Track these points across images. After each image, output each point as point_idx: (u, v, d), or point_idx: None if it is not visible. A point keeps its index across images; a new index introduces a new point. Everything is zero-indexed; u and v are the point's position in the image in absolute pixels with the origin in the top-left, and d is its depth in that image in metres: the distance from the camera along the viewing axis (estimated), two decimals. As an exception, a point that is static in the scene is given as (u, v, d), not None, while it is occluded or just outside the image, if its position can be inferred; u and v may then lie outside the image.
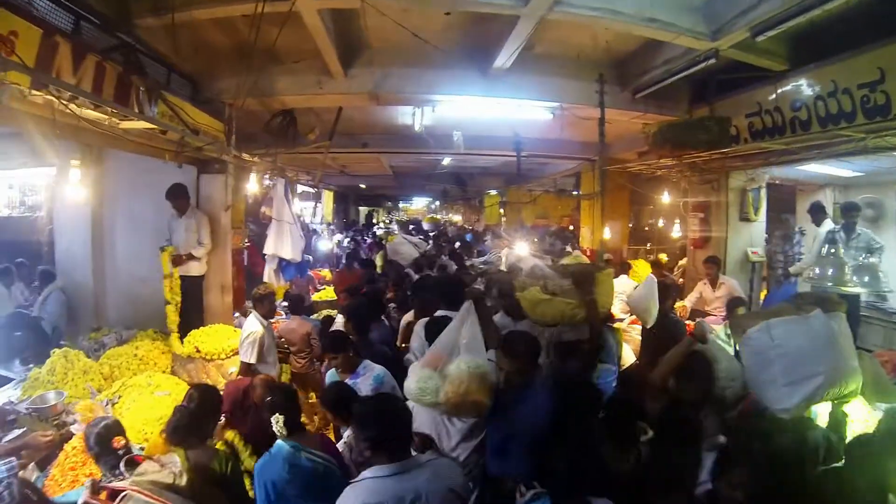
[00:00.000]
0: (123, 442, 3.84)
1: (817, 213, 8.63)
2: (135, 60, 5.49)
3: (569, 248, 11.92)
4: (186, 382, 5.84)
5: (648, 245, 15.51)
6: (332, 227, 22.12)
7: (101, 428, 3.82)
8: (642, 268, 11.57)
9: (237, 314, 7.97)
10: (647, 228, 16.75)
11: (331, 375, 4.88)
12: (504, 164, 16.80)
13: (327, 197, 23.77)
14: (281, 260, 8.82)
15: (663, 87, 8.04)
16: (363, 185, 25.60)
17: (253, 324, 5.83)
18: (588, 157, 13.12)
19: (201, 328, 6.83)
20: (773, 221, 9.81)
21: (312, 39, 6.52)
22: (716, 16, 6.36)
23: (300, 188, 16.66)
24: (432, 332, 4.34)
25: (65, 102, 4.03)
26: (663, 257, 14.00)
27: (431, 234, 22.66)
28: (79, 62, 4.37)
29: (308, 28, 6.02)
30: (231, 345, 6.45)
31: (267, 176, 8.96)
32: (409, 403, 3.62)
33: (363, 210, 35.53)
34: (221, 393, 4.49)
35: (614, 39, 7.54)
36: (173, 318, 6.75)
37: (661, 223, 15.27)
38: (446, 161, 16.58)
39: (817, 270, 5.85)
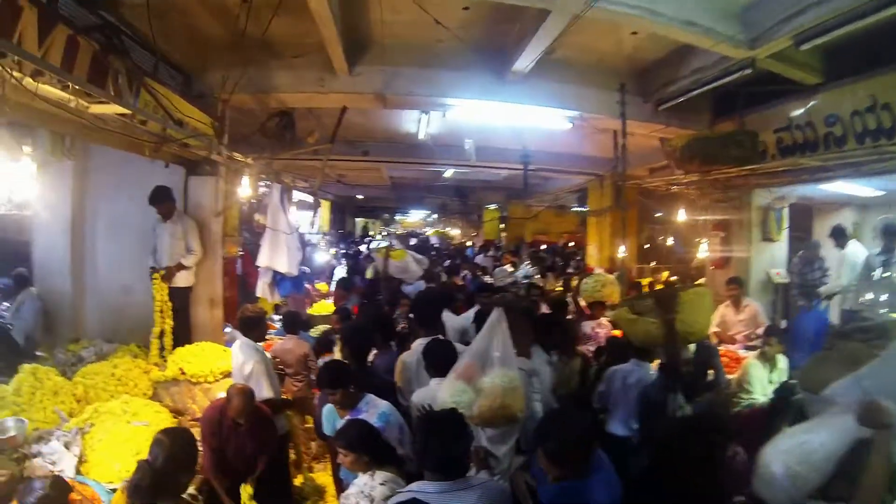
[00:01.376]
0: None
1: (840, 235, 8.16)
2: (118, 43, 4.73)
3: (597, 269, 11.16)
4: (169, 409, 5.09)
5: (654, 263, 14.83)
6: (328, 237, 21.39)
7: (37, 498, 3.13)
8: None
9: (228, 328, 7.20)
10: (648, 246, 16.02)
11: (328, 411, 4.21)
12: (507, 178, 16.20)
13: (324, 207, 23.04)
14: (275, 273, 7.93)
15: (686, 100, 7.46)
16: (360, 196, 24.88)
17: (246, 352, 5.03)
18: (597, 172, 12.52)
19: (187, 346, 6.00)
20: (792, 241, 9.28)
21: (315, 32, 5.81)
22: (756, 22, 5.80)
23: (297, 196, 15.97)
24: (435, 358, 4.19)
25: (16, 77, 3.25)
26: (665, 275, 13.41)
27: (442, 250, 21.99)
28: (46, 33, 3.58)
29: (313, 15, 5.27)
30: (220, 366, 5.62)
31: (263, 181, 8.21)
32: None
33: (360, 221, 34.77)
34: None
35: (640, 46, 6.96)
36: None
37: (670, 241, 14.62)
38: (448, 173, 15.94)
39: (870, 296, 5.57)
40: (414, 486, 2.82)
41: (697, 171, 7.73)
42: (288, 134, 7.84)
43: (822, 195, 8.83)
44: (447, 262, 15.86)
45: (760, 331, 6.87)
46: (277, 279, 7.89)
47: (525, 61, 6.56)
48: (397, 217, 38.90)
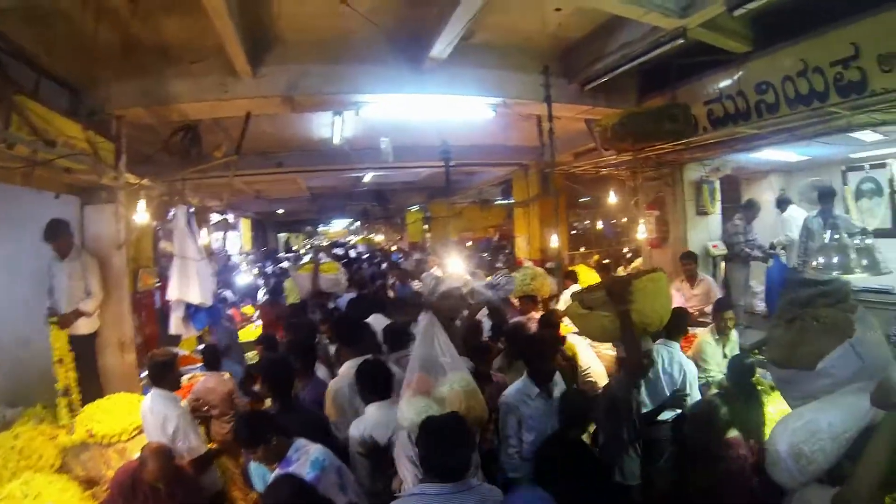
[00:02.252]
0: None
1: (782, 202, 8.73)
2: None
3: (526, 261, 10.73)
4: (81, 480, 4.25)
5: (583, 249, 14.57)
6: (251, 257, 20.38)
7: None
8: (586, 274, 10.48)
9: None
10: (574, 232, 15.75)
11: (256, 468, 3.57)
12: (428, 177, 15.69)
13: (244, 225, 21.97)
14: (189, 305, 6.89)
15: (612, 79, 7.10)
16: (281, 211, 23.88)
17: (165, 405, 4.25)
18: (521, 161, 12.15)
19: (95, 402, 5.04)
20: (724, 213, 9.17)
21: (214, 34, 5.11)
22: (685, -11, 5.44)
23: (215, 217, 15.03)
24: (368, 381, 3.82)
25: None
26: (596, 258, 13.14)
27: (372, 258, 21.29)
28: None
29: (208, 14, 4.57)
30: (135, 421, 4.74)
31: (171, 207, 7.31)
32: (402, 432, 3.38)
33: (282, 237, 33.60)
34: None
35: (564, 23, 6.46)
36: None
37: (599, 225, 14.42)
38: (368, 177, 15.28)
39: (821, 259, 5.38)
40: (415, 488, 2.82)
41: (631, 149, 7.43)
42: (194, 150, 7.01)
43: (754, 164, 8.84)
44: (370, 269, 15.26)
45: (708, 309, 6.68)
46: (192, 311, 6.93)
47: (442, 45, 5.95)
48: (320, 228, 38.10)
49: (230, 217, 17.92)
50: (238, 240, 20.22)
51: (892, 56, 5.01)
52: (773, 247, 8.36)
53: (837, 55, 5.48)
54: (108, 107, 5.97)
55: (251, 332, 9.19)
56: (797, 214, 8.39)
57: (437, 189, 17.78)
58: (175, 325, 6.85)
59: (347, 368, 4.29)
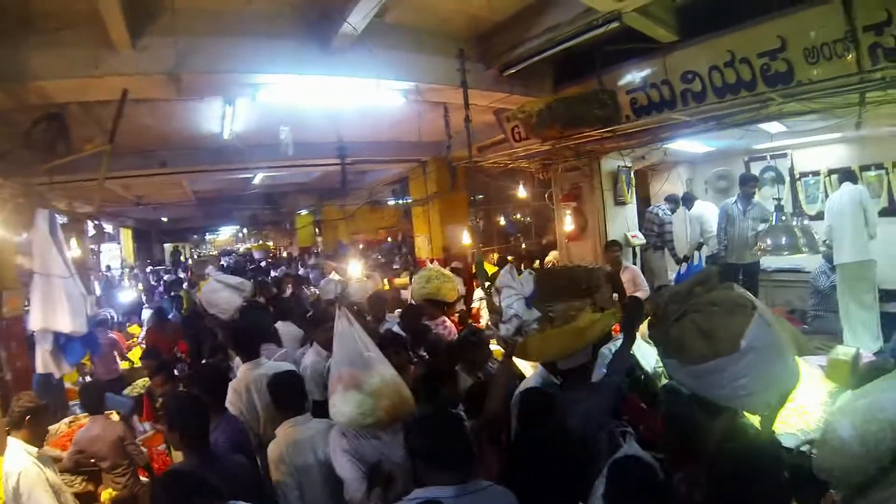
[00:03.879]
0: None
1: (687, 200, 9.14)
2: None
3: (433, 263, 10.00)
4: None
5: (481, 246, 13.99)
6: (135, 271, 18.46)
7: None
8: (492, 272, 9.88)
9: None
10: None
11: None
12: (320, 178, 14.81)
13: (125, 236, 19.93)
14: (58, 335, 5.03)
15: (529, 66, 6.68)
16: (165, 219, 21.98)
17: (17, 458, 3.14)
18: (420, 157, 11.51)
19: None
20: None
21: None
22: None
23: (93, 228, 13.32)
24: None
25: None
26: (495, 256, 12.62)
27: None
28: None
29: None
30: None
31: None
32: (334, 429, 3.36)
33: (168, 247, 31.09)
34: None
35: (486, 5, 5.84)
36: None
37: (501, 221, 13.94)
38: (258, 179, 14.02)
39: (769, 241, 5.50)
40: (424, 492, 2.46)
41: (557, 136, 6.89)
42: (60, 144, 5.67)
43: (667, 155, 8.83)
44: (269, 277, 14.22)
45: (641, 294, 6.53)
46: (62, 342, 5.33)
47: (357, 18, 5.12)
48: (207, 236, 36.02)
49: (109, 227, 16.10)
50: (119, 252, 18.26)
51: (818, 49, 5.18)
52: (686, 258, 8.60)
53: (765, 47, 5.60)
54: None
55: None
56: (706, 209, 8.83)
57: (329, 191, 17.01)
58: (42, 361, 5.09)
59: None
